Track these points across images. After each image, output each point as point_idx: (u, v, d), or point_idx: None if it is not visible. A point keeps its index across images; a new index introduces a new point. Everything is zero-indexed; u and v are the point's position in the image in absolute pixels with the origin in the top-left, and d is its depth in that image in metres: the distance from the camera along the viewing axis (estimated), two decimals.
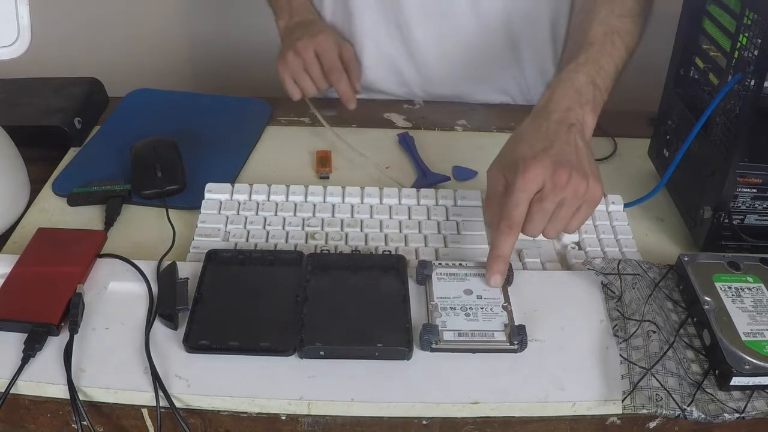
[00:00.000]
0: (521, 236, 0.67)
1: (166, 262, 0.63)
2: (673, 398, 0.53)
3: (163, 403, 0.53)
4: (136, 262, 0.63)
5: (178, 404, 0.53)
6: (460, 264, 0.63)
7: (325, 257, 0.64)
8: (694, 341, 0.58)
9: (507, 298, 0.60)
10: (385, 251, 0.66)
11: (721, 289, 0.60)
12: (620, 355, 0.57)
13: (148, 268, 0.63)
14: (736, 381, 0.54)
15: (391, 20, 0.91)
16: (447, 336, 0.57)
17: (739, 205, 0.66)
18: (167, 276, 0.61)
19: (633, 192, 0.75)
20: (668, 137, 0.76)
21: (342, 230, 0.69)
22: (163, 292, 0.60)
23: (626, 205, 0.73)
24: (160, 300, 0.59)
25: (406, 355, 0.56)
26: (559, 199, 0.59)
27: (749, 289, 0.60)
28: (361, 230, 0.69)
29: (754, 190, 0.65)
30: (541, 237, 0.62)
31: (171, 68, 1.42)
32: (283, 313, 0.58)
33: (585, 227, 0.70)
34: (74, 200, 0.73)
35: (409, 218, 0.70)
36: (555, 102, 0.64)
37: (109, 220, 0.70)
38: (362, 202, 0.72)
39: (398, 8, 0.89)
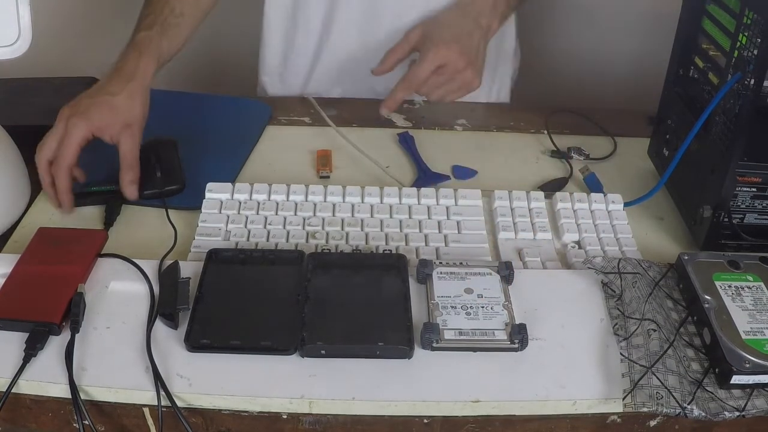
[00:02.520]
0: (521, 236, 0.70)
1: (167, 262, 0.63)
2: (673, 396, 0.53)
3: (164, 402, 0.53)
4: (136, 261, 0.63)
5: (179, 403, 0.53)
6: (461, 263, 0.63)
7: (325, 256, 0.64)
8: (694, 340, 0.58)
9: (507, 297, 0.60)
10: (385, 250, 0.67)
11: (721, 287, 0.60)
12: (621, 353, 0.57)
13: (149, 267, 0.63)
14: (736, 379, 0.54)
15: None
16: (448, 335, 0.57)
17: (739, 203, 0.66)
18: (169, 275, 0.61)
19: (633, 191, 0.75)
20: (668, 136, 0.76)
21: (343, 229, 0.69)
22: (164, 291, 0.60)
23: (626, 204, 0.73)
24: (161, 299, 0.59)
25: (407, 354, 0.56)
26: (450, 76, 0.78)
27: (749, 287, 0.60)
28: (362, 229, 0.69)
29: (754, 189, 0.65)
30: (541, 239, 0.63)
31: (171, 68, 1.42)
32: (284, 312, 0.58)
33: (585, 226, 0.70)
34: (74, 201, 0.73)
35: (410, 217, 0.70)
36: (474, 8, 0.82)
37: (109, 220, 0.70)
38: (363, 202, 0.72)
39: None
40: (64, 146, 0.69)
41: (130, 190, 0.71)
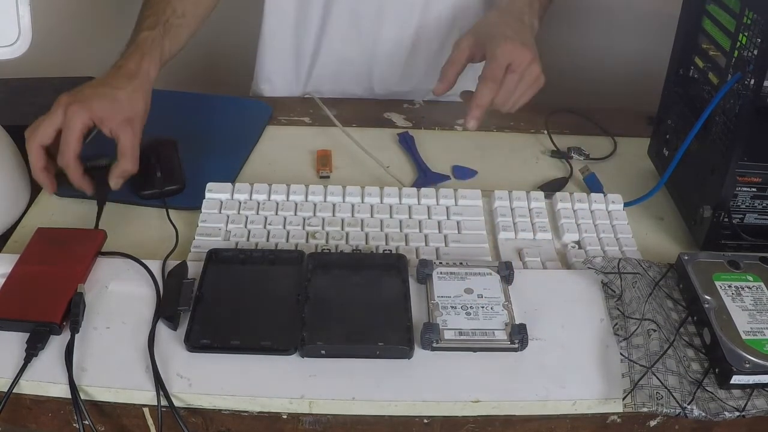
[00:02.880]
0: (521, 236, 0.69)
1: (169, 262, 0.63)
2: (673, 397, 0.53)
3: (164, 402, 0.53)
4: (136, 261, 0.63)
5: (179, 403, 0.53)
6: (461, 263, 0.63)
7: (325, 256, 0.64)
8: (694, 340, 0.58)
9: (507, 297, 0.60)
10: (385, 250, 0.67)
11: (721, 287, 0.60)
12: (621, 353, 0.57)
13: (152, 267, 0.63)
14: (736, 379, 0.54)
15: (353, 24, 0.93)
16: (448, 335, 0.57)
17: (739, 204, 0.66)
18: (175, 276, 0.61)
19: (633, 191, 0.75)
20: (668, 136, 0.76)
21: (343, 229, 0.69)
22: (168, 291, 0.60)
23: (626, 204, 0.73)
24: (163, 299, 0.59)
25: (407, 354, 0.56)
26: (521, 72, 0.72)
27: (749, 287, 0.60)
28: (362, 229, 0.69)
29: (754, 189, 0.65)
30: (541, 239, 0.62)
31: (171, 68, 1.42)
32: (284, 312, 0.58)
33: (585, 226, 0.70)
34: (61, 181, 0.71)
35: (410, 217, 0.70)
36: (515, 7, 0.80)
37: (101, 197, 0.69)
38: (363, 202, 0.72)
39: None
40: (67, 134, 0.67)
41: (115, 181, 0.70)
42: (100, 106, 0.69)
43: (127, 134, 0.70)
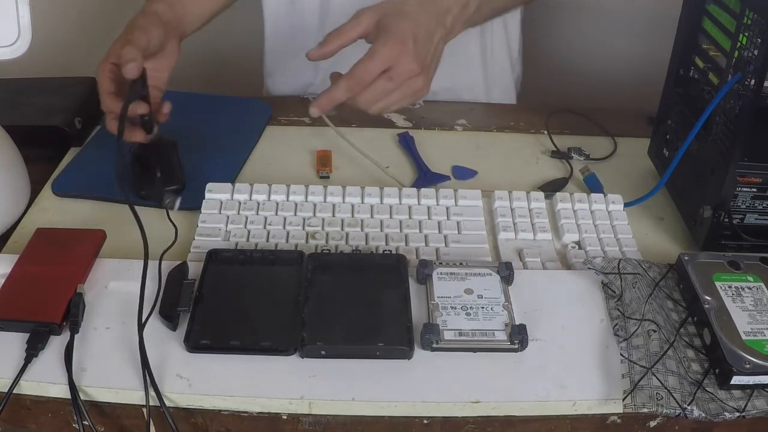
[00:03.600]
0: (521, 236, 0.70)
1: (165, 261, 0.63)
2: (673, 397, 0.53)
3: (155, 402, 0.53)
4: (136, 261, 0.63)
5: (179, 404, 0.53)
6: (461, 263, 0.63)
7: (325, 257, 0.64)
8: (694, 340, 0.58)
9: (508, 298, 0.60)
10: (385, 251, 0.67)
11: (721, 288, 0.60)
12: (621, 354, 0.57)
13: (151, 266, 0.63)
14: (736, 380, 0.54)
15: None
16: (448, 335, 0.57)
17: (739, 204, 0.66)
18: (176, 276, 0.61)
19: (633, 191, 0.75)
20: (668, 137, 0.76)
21: (342, 230, 0.69)
22: (168, 291, 0.60)
23: (626, 205, 0.73)
24: (163, 299, 0.59)
25: (407, 355, 0.56)
26: (399, 83, 0.66)
27: (749, 288, 0.60)
28: (362, 230, 0.69)
29: (754, 190, 0.65)
30: (541, 239, 0.62)
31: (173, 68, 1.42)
32: (284, 313, 0.58)
33: (585, 227, 0.70)
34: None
35: (410, 218, 0.70)
36: (445, 1, 0.71)
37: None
38: (363, 202, 0.72)
39: None
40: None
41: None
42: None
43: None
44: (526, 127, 0.89)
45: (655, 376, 0.54)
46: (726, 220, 0.66)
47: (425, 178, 0.79)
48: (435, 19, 0.69)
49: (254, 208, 0.71)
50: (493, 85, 1.02)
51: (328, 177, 0.79)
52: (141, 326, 0.57)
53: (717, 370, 0.55)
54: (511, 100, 1.06)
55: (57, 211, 0.72)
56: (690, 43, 0.72)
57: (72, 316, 0.57)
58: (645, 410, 0.53)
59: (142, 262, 0.63)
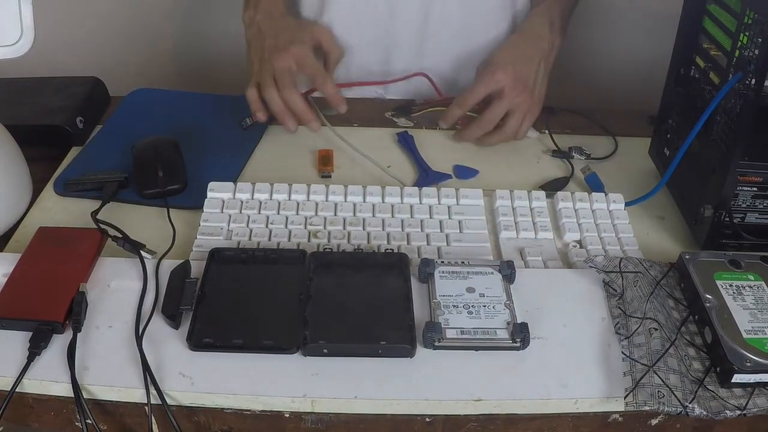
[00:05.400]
0: (523, 235, 0.70)
1: (166, 261, 0.63)
2: (675, 395, 0.53)
3: (157, 401, 0.53)
4: (138, 260, 0.63)
5: (182, 402, 0.53)
6: (463, 262, 0.63)
7: (327, 256, 0.64)
8: (695, 339, 0.59)
9: (509, 296, 0.60)
10: (387, 250, 0.67)
11: (722, 287, 0.60)
12: (622, 352, 0.57)
13: (150, 266, 0.63)
14: (737, 378, 0.54)
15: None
16: (450, 334, 0.57)
17: (740, 203, 0.66)
18: (178, 275, 0.61)
19: (634, 191, 0.75)
20: (669, 136, 0.76)
21: (344, 229, 0.69)
22: (170, 290, 0.60)
23: (627, 204, 0.73)
24: (166, 298, 0.59)
25: (409, 353, 0.56)
26: (509, 105, 0.80)
27: (750, 287, 0.60)
28: (364, 229, 0.69)
29: (755, 189, 0.65)
30: (543, 238, 0.63)
31: (172, 68, 1.42)
32: (287, 312, 0.58)
33: (586, 225, 0.70)
34: (69, 188, 0.73)
35: (412, 217, 0.70)
36: (534, 28, 0.86)
37: (104, 201, 0.70)
38: (364, 201, 0.72)
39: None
40: (306, 67, 0.80)
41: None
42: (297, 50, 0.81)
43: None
44: None
45: (656, 374, 0.54)
46: (727, 219, 0.66)
47: (427, 177, 0.79)
48: (532, 47, 0.83)
49: (256, 207, 0.71)
50: None
51: (329, 176, 0.79)
52: (140, 334, 0.57)
53: (718, 369, 0.56)
54: None
55: (59, 210, 0.72)
56: (691, 42, 0.73)
57: (74, 314, 0.57)
58: (646, 408, 0.53)
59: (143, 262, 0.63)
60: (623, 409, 0.54)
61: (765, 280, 0.61)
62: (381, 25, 0.93)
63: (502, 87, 0.79)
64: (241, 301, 0.60)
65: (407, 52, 0.95)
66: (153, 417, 0.54)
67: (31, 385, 0.54)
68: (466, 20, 0.94)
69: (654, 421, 0.56)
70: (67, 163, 0.79)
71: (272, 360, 0.55)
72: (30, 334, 0.56)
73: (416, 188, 0.74)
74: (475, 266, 0.63)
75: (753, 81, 0.60)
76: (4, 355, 0.55)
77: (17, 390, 0.53)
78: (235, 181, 0.75)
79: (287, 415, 0.54)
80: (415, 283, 0.62)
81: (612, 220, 0.71)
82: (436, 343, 0.56)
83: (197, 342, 0.56)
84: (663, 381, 0.54)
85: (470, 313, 0.58)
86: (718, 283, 0.60)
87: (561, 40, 0.88)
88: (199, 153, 0.79)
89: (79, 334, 0.56)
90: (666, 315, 0.59)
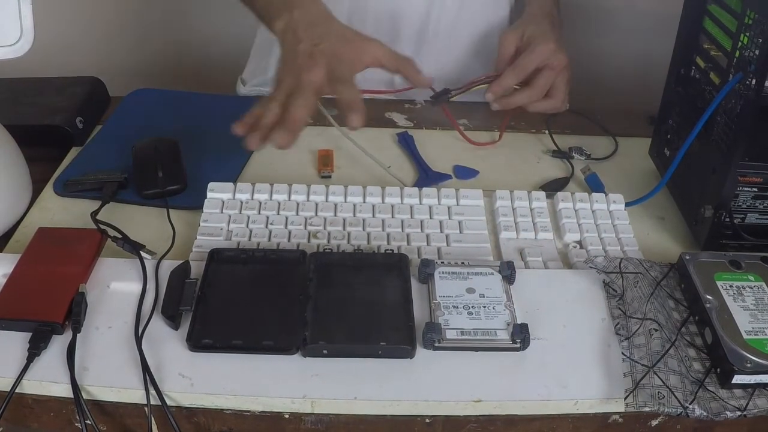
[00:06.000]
0: (523, 236, 0.70)
1: (166, 262, 0.63)
2: (675, 396, 0.53)
3: (157, 402, 0.53)
4: (137, 261, 0.63)
5: (182, 403, 0.53)
6: (463, 263, 0.63)
7: (327, 256, 0.64)
8: (695, 339, 0.59)
9: (509, 297, 0.60)
10: (387, 250, 0.67)
11: (722, 287, 0.60)
12: (622, 353, 0.57)
13: (149, 266, 0.63)
14: (737, 379, 0.54)
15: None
16: (450, 334, 0.57)
17: (740, 204, 0.66)
18: (178, 275, 0.61)
19: (634, 191, 0.75)
20: (669, 136, 0.76)
21: (344, 229, 0.69)
22: (170, 291, 0.60)
23: (627, 204, 0.73)
24: (165, 299, 0.59)
25: (409, 354, 0.56)
26: (557, 76, 0.83)
27: (750, 287, 0.60)
28: (364, 229, 0.69)
29: (755, 189, 0.65)
30: (543, 238, 0.62)
31: (172, 68, 1.42)
32: (286, 312, 0.58)
33: (587, 226, 0.70)
34: (69, 188, 0.73)
35: (412, 217, 0.70)
36: (546, 6, 0.90)
37: (104, 201, 0.70)
38: (364, 201, 0.72)
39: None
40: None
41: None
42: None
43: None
44: (527, 127, 0.89)
45: (656, 375, 0.54)
46: (727, 219, 0.66)
47: (427, 177, 0.79)
48: (549, 24, 0.86)
49: (256, 207, 0.71)
50: None
51: (329, 176, 0.79)
52: (140, 335, 0.57)
53: (718, 370, 0.55)
54: None
55: (59, 210, 0.72)
56: (691, 42, 0.73)
57: (74, 315, 0.57)
58: (646, 409, 0.53)
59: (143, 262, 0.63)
60: (623, 410, 0.54)
61: (765, 281, 0.61)
62: (383, 34, 0.92)
63: (551, 58, 0.82)
64: (241, 301, 0.60)
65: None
66: (153, 418, 0.54)
67: (30, 386, 0.54)
68: (466, 26, 0.95)
69: (654, 422, 0.56)
70: (67, 164, 0.78)
71: (272, 361, 0.55)
72: (29, 334, 0.56)
73: (416, 188, 0.74)
74: (475, 267, 0.63)
75: (753, 81, 0.60)
76: (3, 355, 0.55)
77: (17, 391, 0.53)
78: (235, 181, 0.75)
79: (287, 416, 0.54)
80: (415, 284, 0.62)
81: (612, 220, 0.71)
82: (436, 344, 0.56)
83: (197, 343, 0.56)
84: (663, 382, 0.54)
85: (470, 313, 0.58)
86: (719, 283, 0.60)
87: (560, 31, 0.89)
88: (199, 153, 0.79)
89: (78, 335, 0.56)
90: (666, 316, 0.59)
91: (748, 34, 0.61)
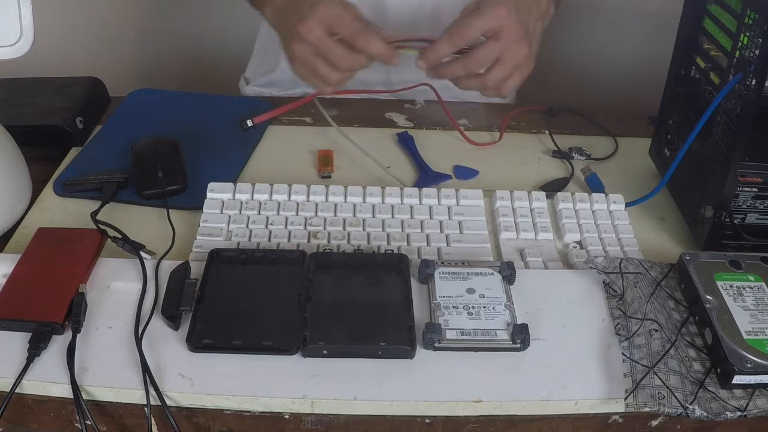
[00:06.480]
0: (523, 236, 0.69)
1: (165, 262, 0.63)
2: (675, 396, 0.53)
3: (157, 402, 0.53)
4: (137, 261, 0.63)
5: (181, 403, 0.53)
6: (463, 263, 0.63)
7: (327, 256, 0.64)
8: (695, 340, 0.59)
9: (509, 297, 0.60)
10: (387, 250, 0.67)
11: (722, 287, 0.60)
12: (622, 353, 0.57)
13: (149, 267, 0.63)
14: (737, 379, 0.54)
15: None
16: (450, 335, 0.57)
17: (740, 204, 0.66)
18: (178, 276, 0.61)
19: (634, 191, 0.75)
20: (669, 136, 0.76)
21: (344, 229, 0.69)
22: (169, 291, 0.60)
23: (628, 204, 0.73)
24: (165, 299, 0.59)
25: (409, 354, 0.56)
26: (504, 50, 0.69)
27: (750, 287, 0.60)
28: (364, 229, 0.69)
29: (755, 189, 0.65)
30: (543, 239, 0.62)
31: (172, 68, 1.42)
32: (286, 312, 0.58)
33: (587, 226, 0.70)
34: (69, 188, 0.73)
35: (411, 217, 0.70)
36: None
37: (104, 201, 0.70)
38: (364, 202, 0.72)
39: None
40: (342, 28, 0.68)
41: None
42: (324, 11, 0.68)
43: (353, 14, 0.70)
44: (527, 127, 0.89)
45: (656, 375, 0.54)
46: (727, 219, 0.66)
47: (427, 177, 0.79)
48: (529, 10, 0.72)
49: (256, 207, 0.71)
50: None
51: (329, 177, 0.79)
52: (140, 335, 0.57)
53: (718, 370, 0.55)
54: (512, 100, 1.06)
55: (59, 210, 0.72)
56: (691, 43, 0.73)
57: (74, 315, 0.57)
58: (647, 409, 0.53)
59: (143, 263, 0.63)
60: (623, 411, 0.54)
61: (765, 281, 0.61)
62: (402, 22, 0.90)
63: (502, 27, 0.68)
64: (241, 302, 0.60)
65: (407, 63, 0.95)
66: (152, 418, 0.54)
67: (30, 386, 0.54)
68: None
69: (654, 423, 0.56)
70: (67, 164, 0.78)
71: (272, 361, 0.55)
72: (29, 335, 0.56)
73: (416, 189, 0.74)
74: (475, 267, 0.63)
75: (753, 81, 0.60)
76: (3, 355, 0.55)
77: (17, 391, 0.53)
78: (234, 181, 0.75)
79: (287, 417, 0.54)
80: (415, 284, 0.62)
81: (612, 220, 0.71)
82: (436, 344, 0.56)
83: (197, 343, 0.56)
84: (663, 382, 0.54)
85: (470, 314, 0.58)
86: (719, 283, 0.60)
87: (555, 11, 0.80)
88: (199, 153, 0.79)
89: (78, 335, 0.56)
90: (666, 316, 0.59)
91: (748, 34, 0.61)
